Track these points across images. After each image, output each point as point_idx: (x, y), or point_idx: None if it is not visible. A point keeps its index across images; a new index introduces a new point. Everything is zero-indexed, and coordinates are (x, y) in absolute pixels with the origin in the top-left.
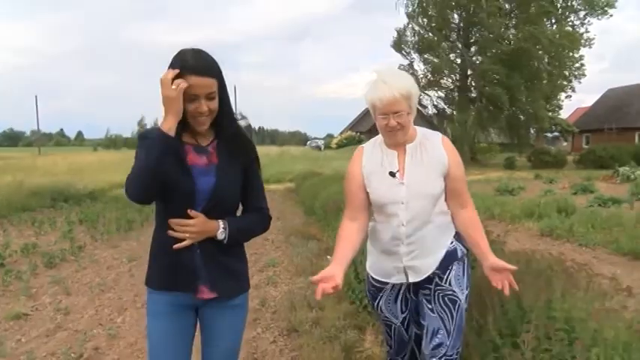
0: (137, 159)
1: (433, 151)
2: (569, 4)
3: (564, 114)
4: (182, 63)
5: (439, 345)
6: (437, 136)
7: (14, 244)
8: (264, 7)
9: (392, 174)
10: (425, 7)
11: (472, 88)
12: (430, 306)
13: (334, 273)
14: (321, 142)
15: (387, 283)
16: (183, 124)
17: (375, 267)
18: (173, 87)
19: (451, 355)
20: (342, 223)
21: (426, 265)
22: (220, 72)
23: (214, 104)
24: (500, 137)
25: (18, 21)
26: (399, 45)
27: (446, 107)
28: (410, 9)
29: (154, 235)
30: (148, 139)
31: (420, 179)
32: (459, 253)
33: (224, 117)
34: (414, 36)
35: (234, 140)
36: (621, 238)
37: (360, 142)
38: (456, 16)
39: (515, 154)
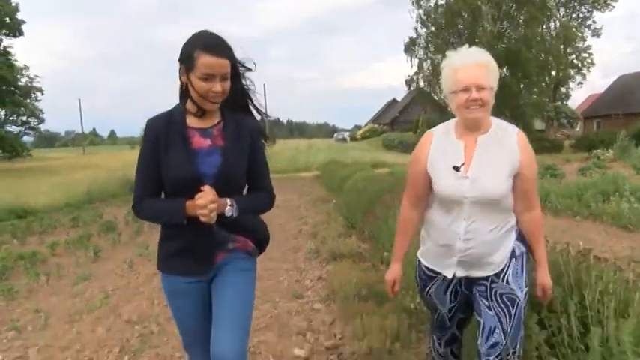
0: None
1: (506, 148)
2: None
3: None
4: (198, 43)
5: (495, 344)
6: (513, 130)
7: (121, 213)
8: (287, 2)
9: (456, 168)
10: (431, 15)
11: None
12: (487, 303)
13: (395, 277)
14: (346, 135)
15: (439, 273)
16: (188, 108)
17: (428, 256)
18: (212, 215)
19: (507, 355)
20: (404, 210)
21: (481, 265)
22: (233, 54)
23: (227, 85)
24: None
25: (51, 26)
26: (410, 50)
27: None
28: (421, 16)
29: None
30: (166, 207)
31: (486, 176)
32: (517, 252)
33: (238, 94)
34: (426, 39)
35: (240, 122)
36: None
37: (382, 134)
38: (461, 20)
39: None
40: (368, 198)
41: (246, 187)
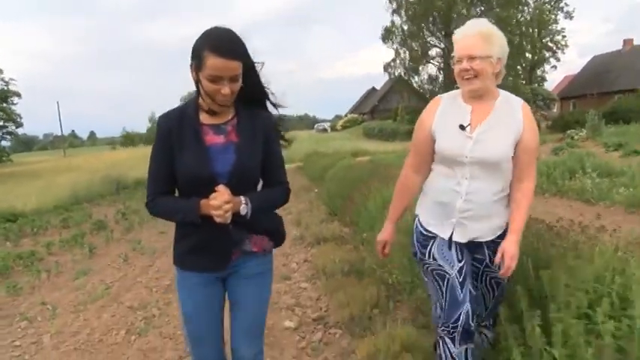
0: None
1: (511, 117)
2: None
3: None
4: (207, 42)
5: (475, 315)
6: (518, 101)
7: (109, 213)
8: None
9: (462, 127)
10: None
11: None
12: (475, 283)
13: (387, 239)
14: (327, 125)
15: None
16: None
17: (427, 216)
18: (227, 215)
19: (483, 322)
20: (405, 173)
21: (478, 230)
22: (246, 52)
23: (236, 86)
24: None
25: (26, 26)
26: (387, 38)
27: (434, 87)
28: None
29: None
30: (180, 206)
31: (489, 138)
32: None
33: (254, 89)
34: (401, 28)
35: (254, 117)
36: None
37: (362, 122)
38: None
39: None
40: (349, 185)
41: (261, 181)
